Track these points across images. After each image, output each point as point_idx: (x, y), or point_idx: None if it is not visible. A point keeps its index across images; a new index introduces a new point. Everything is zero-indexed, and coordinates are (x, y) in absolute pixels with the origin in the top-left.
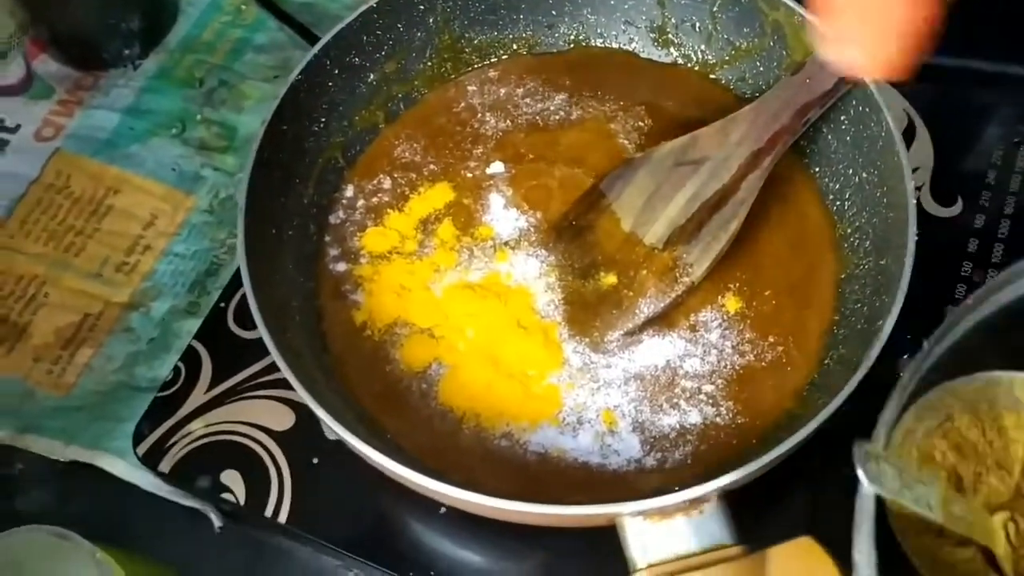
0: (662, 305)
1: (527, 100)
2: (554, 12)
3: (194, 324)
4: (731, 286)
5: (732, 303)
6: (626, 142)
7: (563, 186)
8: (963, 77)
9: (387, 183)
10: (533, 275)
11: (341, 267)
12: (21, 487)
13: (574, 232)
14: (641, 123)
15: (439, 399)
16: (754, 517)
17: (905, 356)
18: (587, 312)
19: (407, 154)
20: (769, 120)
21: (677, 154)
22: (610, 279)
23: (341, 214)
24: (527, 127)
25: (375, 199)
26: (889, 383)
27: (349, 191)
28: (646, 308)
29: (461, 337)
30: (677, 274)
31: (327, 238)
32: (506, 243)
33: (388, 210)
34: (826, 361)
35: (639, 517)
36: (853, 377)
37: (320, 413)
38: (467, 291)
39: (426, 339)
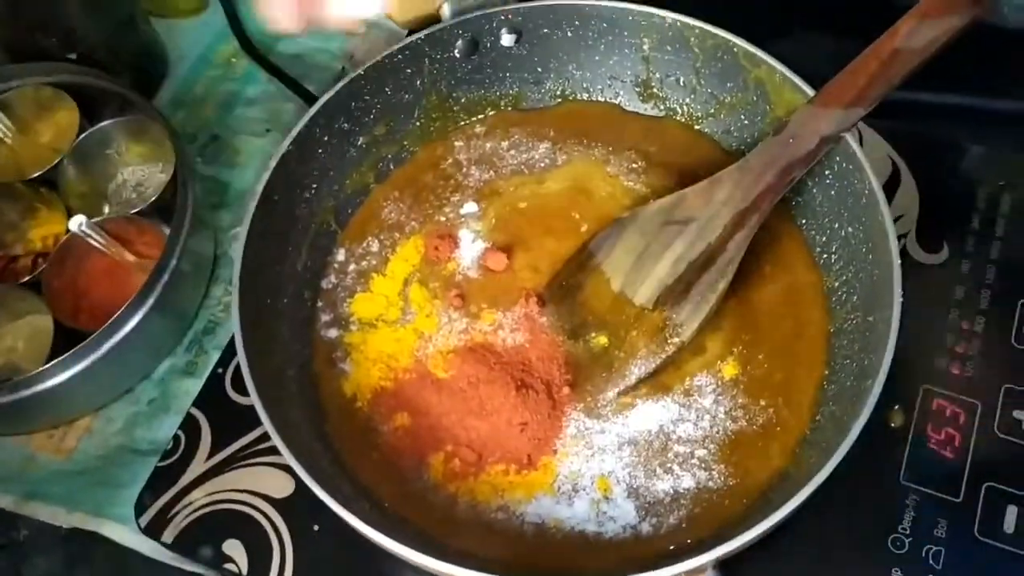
0: (653, 366)
1: (512, 152)
2: (540, 69)
3: (192, 384)
4: (733, 351)
5: (730, 369)
6: (626, 181)
7: (544, 212)
8: (944, 114)
9: (375, 246)
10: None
11: (333, 333)
12: (26, 554)
13: (564, 292)
14: (635, 164)
15: (431, 474)
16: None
17: (896, 407)
18: (580, 374)
19: (393, 214)
20: (754, 180)
21: (665, 213)
22: (601, 340)
23: (333, 279)
24: (510, 174)
25: (364, 263)
26: (882, 436)
27: (341, 255)
28: (637, 369)
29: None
30: (667, 335)
31: (320, 303)
32: (486, 306)
33: (373, 274)
34: (817, 418)
35: None
36: (844, 441)
37: (315, 489)
38: (451, 356)
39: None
